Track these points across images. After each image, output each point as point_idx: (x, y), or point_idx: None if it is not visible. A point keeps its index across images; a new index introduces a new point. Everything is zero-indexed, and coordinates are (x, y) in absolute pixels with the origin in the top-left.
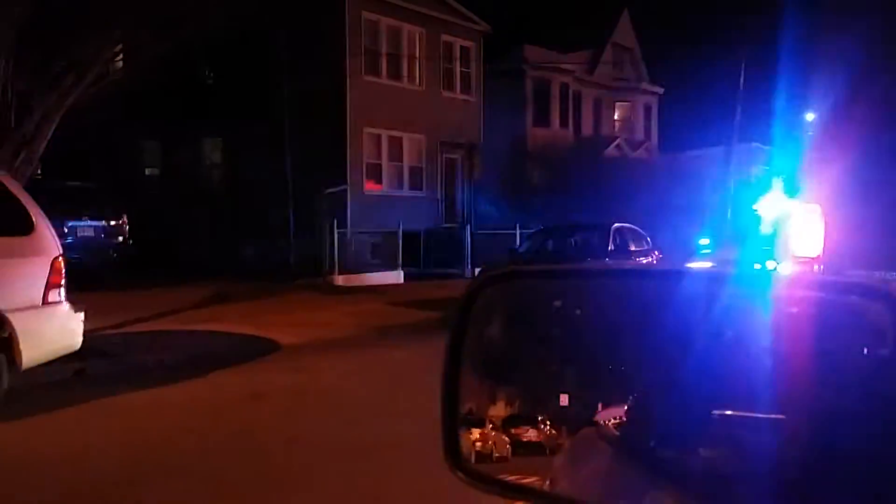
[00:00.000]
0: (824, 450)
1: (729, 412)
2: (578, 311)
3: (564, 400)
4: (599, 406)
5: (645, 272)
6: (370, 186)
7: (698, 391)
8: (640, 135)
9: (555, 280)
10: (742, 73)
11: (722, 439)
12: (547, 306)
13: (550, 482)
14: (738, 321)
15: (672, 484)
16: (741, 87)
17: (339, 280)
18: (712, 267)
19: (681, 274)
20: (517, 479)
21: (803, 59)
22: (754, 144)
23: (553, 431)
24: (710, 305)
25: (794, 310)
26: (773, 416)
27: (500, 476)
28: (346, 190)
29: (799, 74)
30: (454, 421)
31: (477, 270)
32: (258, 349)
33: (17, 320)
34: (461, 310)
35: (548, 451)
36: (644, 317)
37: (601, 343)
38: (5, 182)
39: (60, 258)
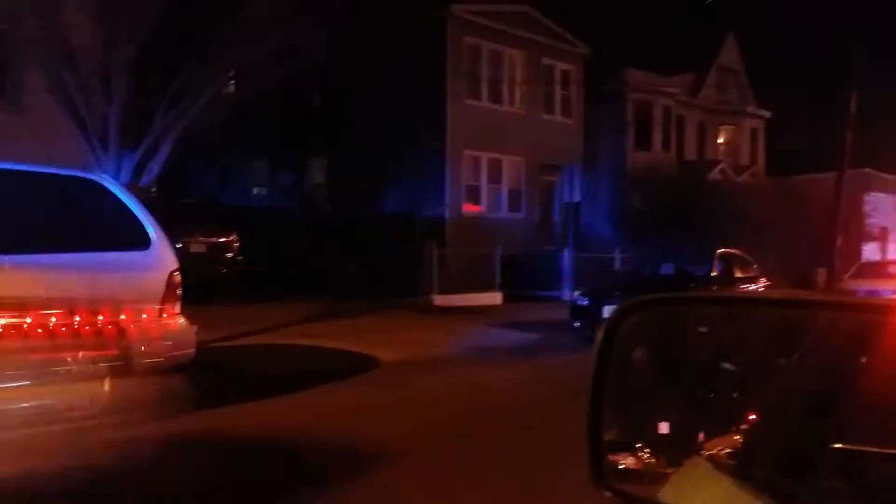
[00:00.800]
0: None
1: (851, 446)
2: (706, 333)
3: (664, 427)
4: (701, 436)
5: (793, 301)
6: (469, 208)
7: (818, 422)
8: (745, 159)
9: (699, 307)
10: (853, 96)
11: (842, 471)
12: (684, 333)
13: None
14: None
15: None
16: (852, 111)
17: (438, 300)
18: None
19: (825, 304)
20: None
21: None
22: (866, 170)
23: (652, 459)
24: (850, 336)
25: None
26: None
27: (645, 495)
28: (445, 211)
29: None
30: (598, 443)
31: (575, 294)
32: (360, 365)
33: (134, 331)
34: (605, 335)
35: (646, 480)
36: (777, 345)
37: (725, 370)
38: (124, 199)
39: (177, 272)
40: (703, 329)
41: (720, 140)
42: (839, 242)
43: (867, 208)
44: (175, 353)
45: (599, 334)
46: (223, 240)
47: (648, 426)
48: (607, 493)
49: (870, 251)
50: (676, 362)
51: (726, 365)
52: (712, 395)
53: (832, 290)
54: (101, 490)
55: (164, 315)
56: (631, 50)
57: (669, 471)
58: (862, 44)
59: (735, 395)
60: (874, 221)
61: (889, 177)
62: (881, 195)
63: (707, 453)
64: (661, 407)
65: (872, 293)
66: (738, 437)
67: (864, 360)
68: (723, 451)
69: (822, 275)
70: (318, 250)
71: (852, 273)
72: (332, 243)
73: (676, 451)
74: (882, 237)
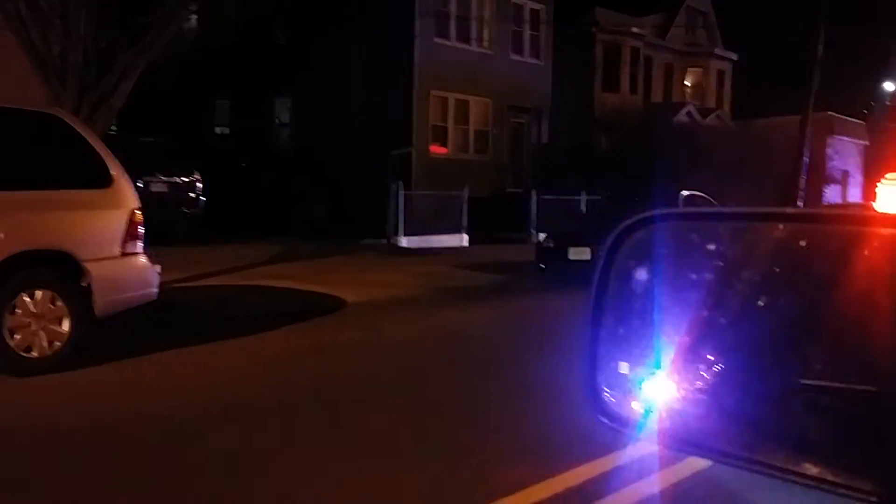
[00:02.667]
0: None
1: (816, 382)
2: (714, 252)
3: (624, 368)
4: (677, 357)
5: (809, 215)
6: (436, 149)
7: (792, 354)
8: (711, 102)
9: (709, 222)
10: (821, 38)
11: (811, 408)
12: (691, 252)
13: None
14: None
15: (766, 444)
16: (819, 54)
17: (404, 241)
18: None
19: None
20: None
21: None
22: (829, 113)
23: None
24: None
25: None
26: (863, 387)
27: (640, 419)
28: (411, 152)
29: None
30: (595, 368)
31: (542, 236)
32: (325, 306)
33: (95, 270)
34: (607, 255)
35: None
36: (772, 268)
37: (714, 294)
38: (86, 136)
39: (138, 210)
40: (711, 247)
41: (687, 82)
42: (802, 185)
43: (829, 151)
44: (137, 292)
45: (601, 255)
46: (185, 180)
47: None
48: (604, 420)
49: (831, 194)
50: (680, 282)
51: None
52: (705, 314)
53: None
54: None
55: (126, 254)
56: None
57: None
58: None
59: (723, 319)
60: (836, 164)
61: (851, 120)
62: (844, 139)
63: (678, 378)
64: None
65: None
66: (710, 365)
67: (838, 286)
68: (696, 380)
69: None
70: (282, 191)
71: None
72: (296, 184)
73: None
74: (843, 180)
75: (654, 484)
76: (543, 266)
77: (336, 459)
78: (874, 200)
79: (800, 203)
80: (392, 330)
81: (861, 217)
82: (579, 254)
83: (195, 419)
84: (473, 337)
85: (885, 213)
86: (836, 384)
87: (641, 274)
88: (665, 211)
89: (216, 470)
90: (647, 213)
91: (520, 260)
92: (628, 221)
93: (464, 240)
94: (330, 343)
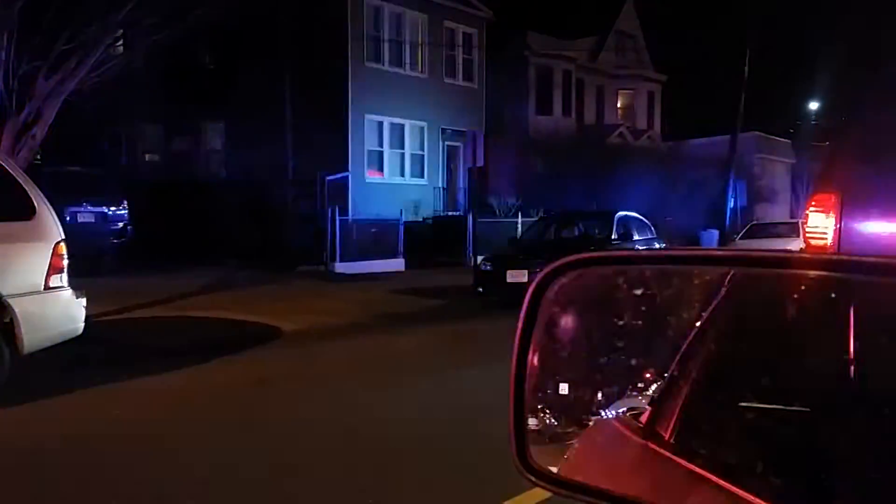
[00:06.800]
0: (849, 443)
1: (755, 405)
2: (641, 295)
3: (564, 389)
4: (599, 395)
5: (719, 258)
6: (372, 174)
7: (729, 383)
8: (643, 123)
9: (635, 266)
10: (747, 60)
11: (751, 433)
12: (616, 295)
13: (567, 470)
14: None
15: (714, 476)
16: (746, 75)
17: (341, 268)
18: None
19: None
20: (588, 480)
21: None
22: (756, 133)
23: (553, 421)
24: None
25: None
26: (797, 408)
27: (571, 477)
28: (347, 177)
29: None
30: (522, 422)
31: (479, 259)
32: (260, 336)
33: (18, 305)
34: (531, 301)
35: (547, 440)
36: (690, 304)
37: (635, 331)
38: (6, 166)
39: (62, 243)
40: (638, 291)
41: (619, 104)
42: (732, 204)
43: (757, 170)
44: (61, 328)
45: (525, 300)
46: (113, 209)
47: (553, 387)
48: (532, 478)
49: (761, 213)
50: (605, 327)
51: (635, 324)
52: (622, 357)
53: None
54: None
55: (50, 288)
56: (532, 14)
57: (570, 430)
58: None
59: (641, 356)
60: (763, 184)
61: (779, 139)
62: (772, 157)
63: (613, 414)
64: (571, 370)
65: None
66: (644, 398)
67: (770, 316)
68: (627, 413)
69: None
70: (215, 219)
71: (743, 234)
72: (230, 211)
73: (578, 412)
74: (771, 198)
75: None
76: (481, 290)
77: (266, 493)
78: (805, 220)
79: (727, 222)
80: (328, 358)
81: (782, 259)
82: (517, 276)
83: (116, 457)
84: (411, 363)
85: (802, 255)
86: (774, 406)
87: (567, 321)
88: (585, 256)
89: None
90: (569, 259)
91: (457, 284)
92: (549, 267)
93: (401, 265)
94: (263, 374)
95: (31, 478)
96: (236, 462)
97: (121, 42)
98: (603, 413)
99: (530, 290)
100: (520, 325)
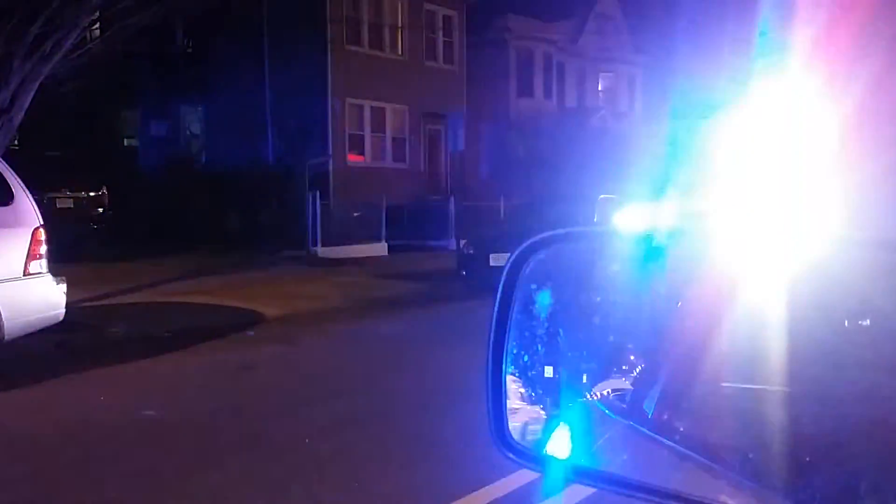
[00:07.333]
0: (827, 424)
1: (737, 385)
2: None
3: (549, 371)
4: (584, 378)
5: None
6: (353, 158)
7: (710, 363)
8: (624, 106)
9: (609, 241)
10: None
11: (732, 412)
12: (593, 272)
13: (551, 449)
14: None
15: (694, 455)
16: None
17: (323, 252)
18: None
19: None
20: (572, 459)
21: None
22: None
23: (536, 402)
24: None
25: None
26: (779, 388)
27: (550, 453)
28: (328, 161)
29: None
30: (500, 399)
31: (462, 242)
32: (244, 321)
33: None
34: (507, 277)
35: (530, 421)
36: (672, 283)
37: (611, 311)
38: None
39: (41, 228)
40: (616, 267)
41: (600, 87)
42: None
43: None
44: (42, 314)
45: (501, 277)
46: (92, 194)
47: (537, 369)
48: (511, 457)
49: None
50: (582, 304)
51: (618, 301)
52: (610, 338)
53: None
54: None
55: (30, 274)
56: None
57: (554, 412)
58: None
59: (627, 337)
60: None
61: None
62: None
63: (596, 396)
64: (554, 350)
65: None
66: (627, 379)
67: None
68: (611, 395)
69: None
70: (196, 204)
71: None
72: (211, 196)
73: (560, 394)
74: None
75: None
76: (465, 273)
77: (255, 476)
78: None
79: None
80: (312, 343)
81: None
82: (500, 259)
83: (105, 444)
84: (394, 348)
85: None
86: (755, 386)
87: (544, 297)
88: (562, 231)
89: (130, 495)
90: (545, 235)
91: (441, 267)
92: (525, 244)
93: (383, 249)
94: (247, 359)
95: (9, 466)
96: (222, 447)
97: (97, 25)
98: (587, 395)
99: (506, 268)
100: (496, 304)
